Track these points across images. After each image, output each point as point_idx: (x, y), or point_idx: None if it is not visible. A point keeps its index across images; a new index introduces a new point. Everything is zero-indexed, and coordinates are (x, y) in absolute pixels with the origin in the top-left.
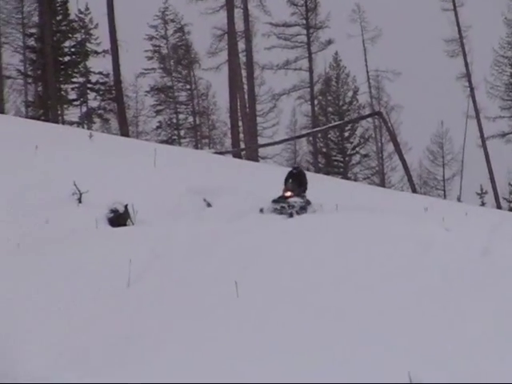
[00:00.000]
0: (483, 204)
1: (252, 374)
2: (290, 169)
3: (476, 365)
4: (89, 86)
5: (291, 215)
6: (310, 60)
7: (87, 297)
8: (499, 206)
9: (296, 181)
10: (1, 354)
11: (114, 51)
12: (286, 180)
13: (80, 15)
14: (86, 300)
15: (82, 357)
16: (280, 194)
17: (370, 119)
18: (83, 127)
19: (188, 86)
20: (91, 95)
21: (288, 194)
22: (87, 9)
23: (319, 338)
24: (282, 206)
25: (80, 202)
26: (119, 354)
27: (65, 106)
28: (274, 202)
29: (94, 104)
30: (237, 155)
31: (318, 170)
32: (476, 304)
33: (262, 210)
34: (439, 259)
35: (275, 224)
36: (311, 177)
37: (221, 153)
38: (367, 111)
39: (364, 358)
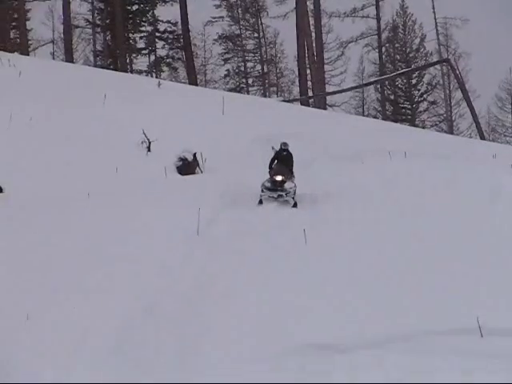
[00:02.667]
0: None
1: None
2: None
3: None
4: (157, 34)
5: (295, 205)
6: (377, 7)
7: (160, 244)
8: None
9: (284, 162)
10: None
11: (182, 0)
12: (273, 160)
13: None
14: (159, 247)
15: (158, 303)
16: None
17: (437, 66)
18: (152, 76)
19: (256, 34)
20: (159, 44)
21: (279, 178)
22: None
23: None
24: (279, 194)
25: (149, 150)
26: (193, 300)
27: (133, 54)
28: (269, 189)
29: (162, 53)
30: (304, 103)
31: (385, 118)
32: None
33: (261, 202)
34: (508, 208)
35: (345, 171)
36: (380, 124)
37: (289, 101)
38: (435, 58)
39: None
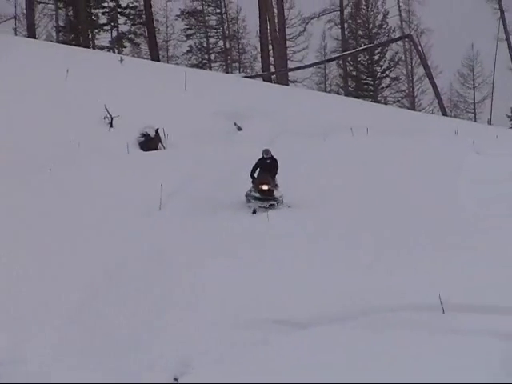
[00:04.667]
0: None
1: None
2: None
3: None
4: (119, 10)
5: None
6: None
7: (123, 218)
8: None
9: (267, 170)
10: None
11: None
12: (255, 168)
13: None
14: (121, 221)
15: (121, 267)
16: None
17: (400, 42)
18: (114, 52)
19: (218, 10)
20: (121, 19)
21: (265, 187)
22: None
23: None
24: (270, 204)
25: (111, 126)
26: (154, 267)
27: (95, 30)
28: (259, 199)
29: (124, 28)
30: (267, 79)
31: (347, 94)
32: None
33: (254, 212)
34: (471, 183)
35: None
36: (342, 100)
37: (251, 77)
38: (397, 34)
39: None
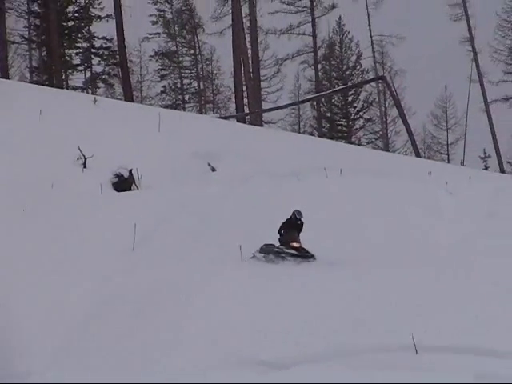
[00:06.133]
0: (486, 168)
1: None
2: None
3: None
4: (93, 51)
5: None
6: (314, 25)
7: (96, 259)
8: (503, 170)
9: (296, 229)
10: None
11: (118, 16)
12: (284, 226)
13: None
14: (94, 262)
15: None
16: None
17: (373, 84)
18: (87, 92)
19: (192, 51)
20: (95, 60)
21: (297, 245)
22: None
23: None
24: (309, 260)
25: (85, 166)
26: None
27: (69, 71)
28: (296, 256)
29: (98, 69)
30: (241, 120)
31: (321, 135)
32: (487, 263)
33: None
34: (445, 224)
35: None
36: (316, 141)
37: (225, 117)
38: (371, 76)
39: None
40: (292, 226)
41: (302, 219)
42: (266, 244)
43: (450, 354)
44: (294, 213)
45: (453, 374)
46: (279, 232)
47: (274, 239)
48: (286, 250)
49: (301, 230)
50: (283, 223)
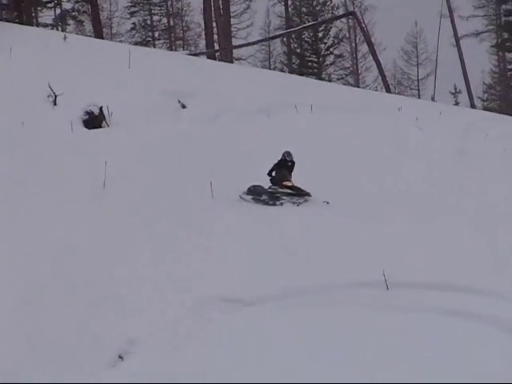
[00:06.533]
0: (457, 103)
1: None
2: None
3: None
4: None
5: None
6: None
7: (67, 198)
8: (473, 106)
9: (288, 170)
10: None
11: None
12: (274, 167)
13: None
14: (66, 201)
15: (69, 252)
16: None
17: (344, 19)
18: (57, 29)
19: None
20: None
21: (289, 183)
22: None
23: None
24: (305, 198)
25: (55, 104)
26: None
27: (38, 8)
28: (291, 194)
29: (67, 6)
30: (211, 57)
31: (292, 71)
32: (457, 199)
33: (281, 204)
34: (416, 161)
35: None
36: (286, 78)
37: (195, 54)
38: (341, 11)
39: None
40: (282, 167)
41: (294, 160)
42: (254, 185)
43: (421, 291)
44: (283, 154)
45: (423, 312)
46: (269, 173)
47: (247, 176)
48: (281, 190)
49: (291, 170)
50: (274, 164)
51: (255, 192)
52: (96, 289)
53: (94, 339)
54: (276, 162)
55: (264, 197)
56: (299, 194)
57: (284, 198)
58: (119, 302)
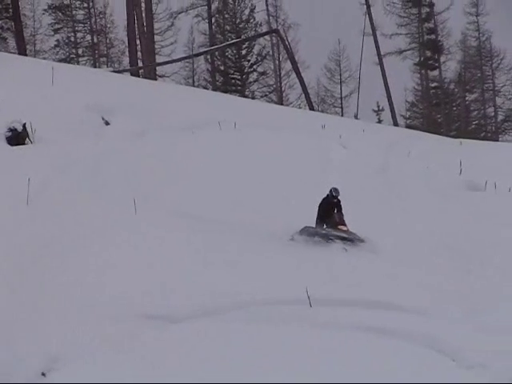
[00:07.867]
0: (380, 121)
1: None
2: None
3: None
4: None
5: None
6: None
7: None
8: (396, 123)
9: (337, 209)
10: None
11: None
12: (322, 207)
13: None
14: None
15: None
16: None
17: (267, 37)
18: None
19: (85, 4)
20: None
21: (344, 228)
22: None
23: None
24: (358, 243)
25: None
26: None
27: None
28: (345, 239)
29: None
30: (135, 74)
31: (215, 88)
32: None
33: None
34: (338, 177)
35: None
36: (210, 95)
37: (119, 71)
38: (264, 29)
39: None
40: (329, 205)
41: (339, 197)
42: (307, 226)
43: (342, 308)
44: (330, 190)
45: (343, 329)
46: (318, 214)
47: (171, 192)
48: (335, 233)
49: (339, 208)
50: (320, 204)
51: (309, 233)
52: (16, 303)
53: (15, 358)
54: (321, 200)
55: (316, 238)
56: (352, 239)
57: (337, 241)
58: (41, 318)
